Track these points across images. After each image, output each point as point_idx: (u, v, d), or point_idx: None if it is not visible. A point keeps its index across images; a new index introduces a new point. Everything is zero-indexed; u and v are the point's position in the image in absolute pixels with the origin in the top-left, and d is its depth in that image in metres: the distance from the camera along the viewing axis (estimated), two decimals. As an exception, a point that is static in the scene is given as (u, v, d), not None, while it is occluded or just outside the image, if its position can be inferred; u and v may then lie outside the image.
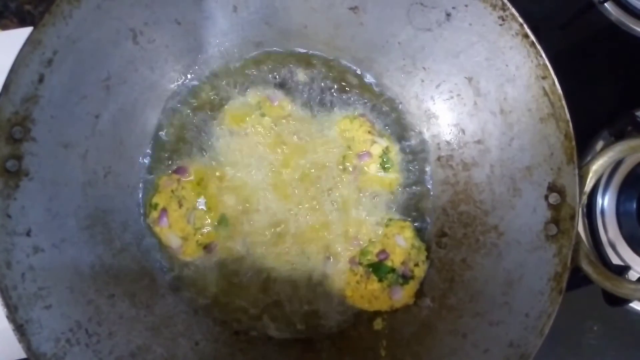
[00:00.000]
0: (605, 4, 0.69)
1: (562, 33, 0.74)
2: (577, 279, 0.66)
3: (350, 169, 0.60)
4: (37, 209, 0.50)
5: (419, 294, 0.59)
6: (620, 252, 0.67)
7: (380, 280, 0.57)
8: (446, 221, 0.60)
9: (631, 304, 0.65)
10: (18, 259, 0.47)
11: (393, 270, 0.57)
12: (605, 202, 0.68)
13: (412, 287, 0.58)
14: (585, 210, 0.68)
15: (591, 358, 0.71)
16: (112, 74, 0.54)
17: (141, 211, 0.59)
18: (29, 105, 0.48)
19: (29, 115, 0.48)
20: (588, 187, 0.49)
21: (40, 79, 0.48)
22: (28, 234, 0.48)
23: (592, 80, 0.73)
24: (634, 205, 0.66)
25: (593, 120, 0.70)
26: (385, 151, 0.60)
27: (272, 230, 0.59)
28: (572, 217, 0.49)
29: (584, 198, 0.50)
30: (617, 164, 0.69)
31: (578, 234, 0.49)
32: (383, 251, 0.58)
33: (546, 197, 0.51)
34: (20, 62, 0.47)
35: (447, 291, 0.58)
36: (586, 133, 0.69)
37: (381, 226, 0.59)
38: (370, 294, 0.57)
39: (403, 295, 0.57)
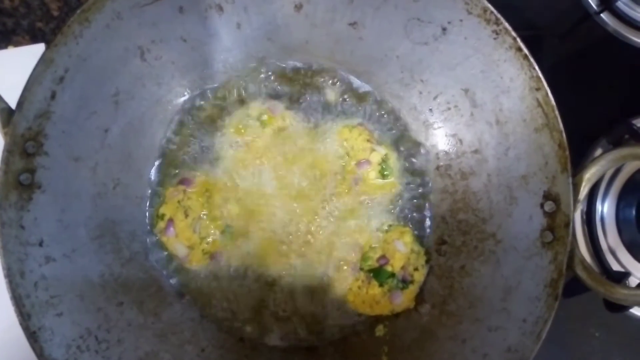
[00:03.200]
0: (602, 15, 0.71)
1: (560, 43, 0.75)
2: (578, 286, 0.67)
3: (351, 176, 0.61)
4: (49, 220, 0.51)
5: (420, 300, 0.60)
6: (621, 258, 0.68)
7: (380, 285, 0.58)
8: (445, 229, 0.62)
9: (632, 310, 0.66)
10: (31, 269, 0.49)
11: (393, 275, 0.59)
12: (605, 208, 0.69)
13: (412, 291, 0.59)
14: (585, 217, 0.69)
15: (592, 365, 0.71)
16: (121, 90, 0.56)
17: (149, 222, 0.60)
18: (42, 121, 0.50)
19: (41, 131, 0.50)
20: (582, 195, 0.50)
21: (53, 96, 0.50)
22: (40, 244, 0.50)
23: (590, 89, 0.74)
24: (634, 212, 0.66)
25: (591, 129, 0.71)
26: (384, 159, 0.61)
27: (275, 238, 0.60)
28: (567, 225, 0.50)
29: (578, 205, 0.51)
30: (616, 171, 0.69)
31: (572, 240, 0.50)
32: (383, 256, 0.59)
33: (542, 205, 0.53)
34: (34, 80, 0.49)
35: (447, 298, 0.59)
36: (585, 141, 0.70)
37: (381, 232, 0.61)
38: (371, 299, 0.59)
39: (403, 299, 0.59)
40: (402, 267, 0.59)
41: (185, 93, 0.62)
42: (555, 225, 0.51)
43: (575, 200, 0.50)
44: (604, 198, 0.69)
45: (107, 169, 0.57)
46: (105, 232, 0.56)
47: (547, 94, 0.52)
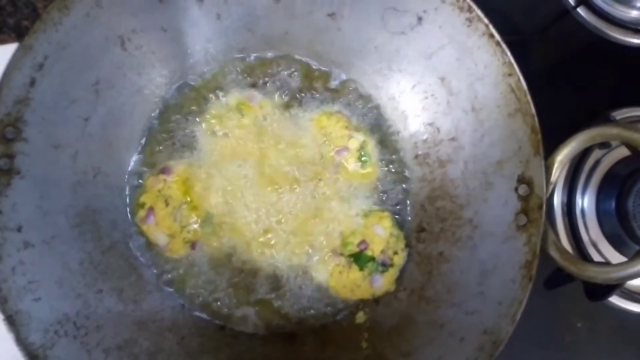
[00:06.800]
0: (578, 9, 0.72)
1: (541, 40, 0.77)
2: (559, 277, 0.68)
3: (330, 163, 0.62)
4: (28, 206, 0.52)
5: (399, 287, 0.60)
6: (602, 250, 0.68)
7: (361, 269, 0.59)
8: (424, 217, 0.62)
9: (612, 299, 0.66)
10: (9, 253, 0.49)
11: (373, 258, 0.59)
12: (585, 201, 0.69)
13: (391, 274, 0.60)
14: (565, 209, 0.69)
15: (575, 355, 0.71)
16: (101, 78, 0.57)
17: (129, 210, 0.61)
18: (21, 107, 0.50)
19: (21, 117, 0.50)
20: (554, 177, 0.51)
21: (32, 83, 0.51)
22: (19, 229, 0.50)
23: (570, 84, 0.75)
24: (613, 204, 0.67)
25: (572, 123, 0.71)
26: (363, 145, 0.62)
27: (256, 226, 0.61)
28: (540, 207, 0.51)
29: (551, 188, 0.51)
30: (595, 164, 0.70)
31: (545, 222, 0.51)
32: (363, 241, 0.60)
33: (516, 189, 0.53)
34: (13, 66, 0.49)
35: (426, 284, 0.59)
36: (562, 134, 0.71)
37: (361, 217, 0.61)
38: (352, 283, 0.59)
39: (384, 282, 0.59)
40: (382, 251, 0.60)
41: (166, 83, 0.62)
42: (529, 208, 0.52)
43: (548, 183, 0.51)
44: (584, 191, 0.69)
45: (88, 157, 0.57)
46: (85, 220, 0.57)
47: (519, 79, 0.53)
